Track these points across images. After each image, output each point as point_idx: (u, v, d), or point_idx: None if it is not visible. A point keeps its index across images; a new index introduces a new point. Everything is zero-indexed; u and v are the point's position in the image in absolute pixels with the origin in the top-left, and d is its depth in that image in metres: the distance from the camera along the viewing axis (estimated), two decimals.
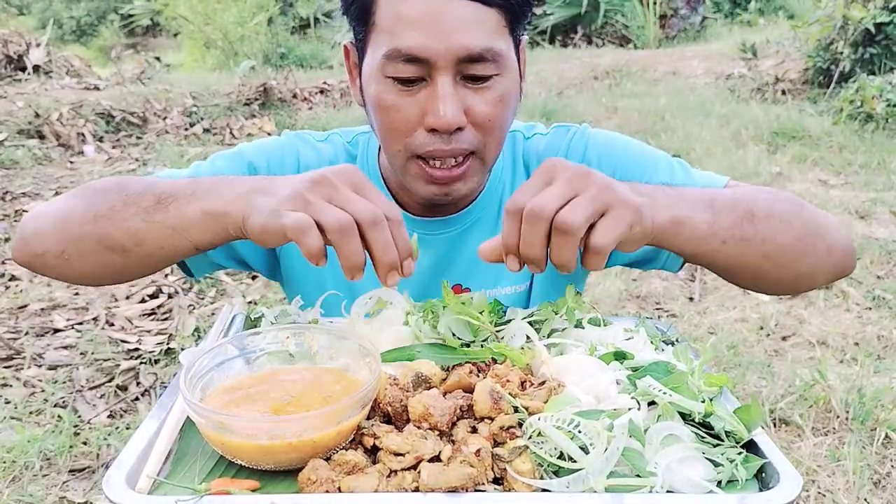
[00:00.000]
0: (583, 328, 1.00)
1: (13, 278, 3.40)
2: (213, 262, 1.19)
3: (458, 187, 1.06)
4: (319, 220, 0.82)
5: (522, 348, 0.94)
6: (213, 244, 0.95)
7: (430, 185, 1.06)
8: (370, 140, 1.24)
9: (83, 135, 5.52)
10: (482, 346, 0.95)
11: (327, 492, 0.69)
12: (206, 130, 6.10)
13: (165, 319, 3.09)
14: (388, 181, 1.22)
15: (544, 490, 0.69)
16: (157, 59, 9.73)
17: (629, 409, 0.77)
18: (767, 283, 1.06)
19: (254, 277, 3.51)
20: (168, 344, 2.86)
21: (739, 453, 0.73)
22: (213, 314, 3.11)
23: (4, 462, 2.15)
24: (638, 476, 0.70)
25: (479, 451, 0.71)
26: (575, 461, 0.70)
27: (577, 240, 0.80)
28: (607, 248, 0.81)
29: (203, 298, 3.31)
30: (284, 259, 1.25)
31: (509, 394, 0.78)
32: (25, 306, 3.12)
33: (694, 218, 0.92)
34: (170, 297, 3.26)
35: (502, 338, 0.97)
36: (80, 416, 2.42)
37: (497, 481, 0.72)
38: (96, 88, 6.64)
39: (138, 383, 2.64)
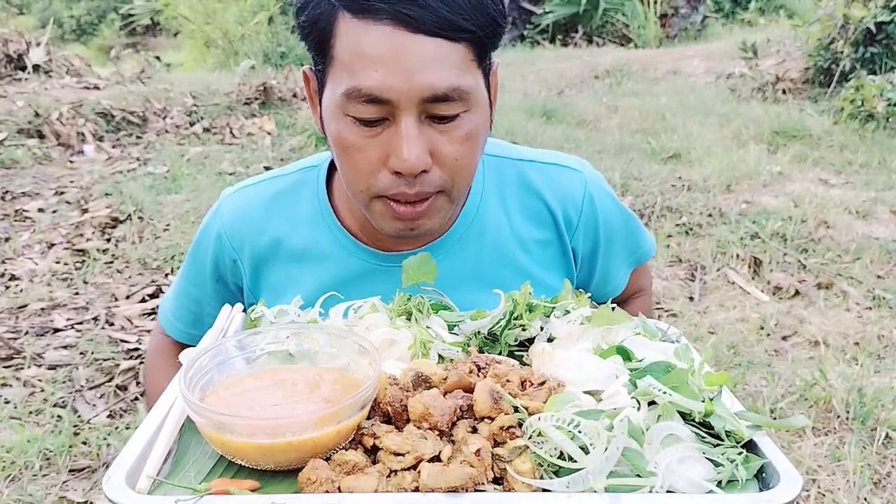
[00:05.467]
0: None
1: (13, 278, 3.40)
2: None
3: (423, 223, 1.03)
4: None
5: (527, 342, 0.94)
6: None
7: (395, 222, 1.03)
8: (318, 176, 1.21)
9: (83, 134, 5.51)
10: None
11: (327, 492, 0.69)
12: (206, 130, 6.09)
13: None
14: (342, 219, 1.19)
15: (544, 490, 0.69)
16: (158, 58, 9.71)
17: (629, 408, 0.77)
18: None
19: None
20: None
21: (740, 453, 0.73)
22: None
23: (4, 462, 2.15)
24: (638, 476, 0.70)
25: (479, 450, 0.71)
26: (575, 461, 0.70)
27: None
28: None
29: None
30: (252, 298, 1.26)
31: (509, 394, 0.78)
32: (25, 306, 3.12)
33: None
34: None
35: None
36: (79, 416, 2.42)
37: (497, 481, 0.72)
38: (96, 88, 6.64)
39: (138, 383, 2.63)
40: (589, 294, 1.08)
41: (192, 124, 6.16)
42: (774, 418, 2.41)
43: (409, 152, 0.93)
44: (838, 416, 2.39)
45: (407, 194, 0.98)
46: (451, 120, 0.96)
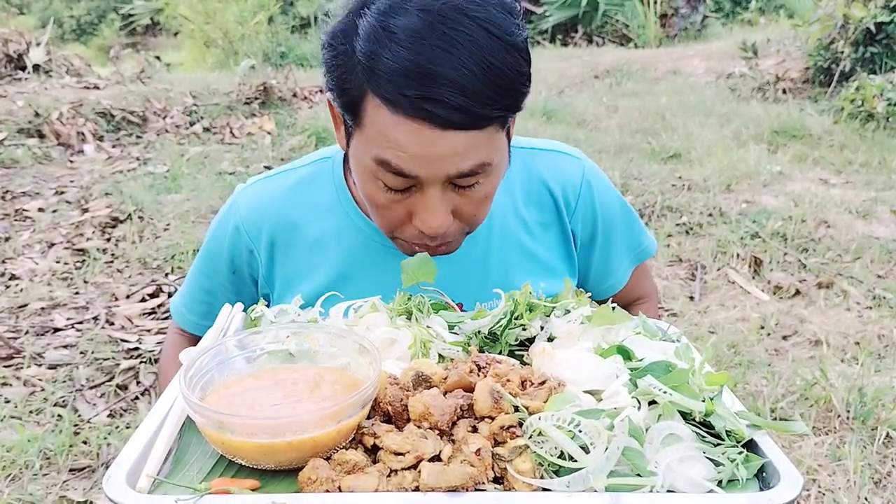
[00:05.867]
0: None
1: (13, 278, 3.40)
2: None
3: (442, 251, 1.10)
4: None
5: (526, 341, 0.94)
6: None
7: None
8: (333, 166, 1.25)
9: (83, 134, 5.51)
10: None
11: (327, 491, 0.69)
12: (206, 129, 6.09)
13: (165, 319, 3.09)
14: (360, 204, 1.22)
15: (545, 489, 0.69)
16: (158, 58, 9.70)
17: (629, 407, 0.77)
18: None
19: None
20: None
21: (740, 453, 0.73)
22: None
23: (4, 461, 2.15)
24: (638, 475, 0.69)
25: (479, 450, 0.71)
26: (575, 460, 0.70)
27: None
28: None
29: None
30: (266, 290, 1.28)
31: (509, 393, 0.78)
32: (25, 305, 3.12)
33: None
34: (169, 296, 3.25)
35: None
36: (80, 416, 2.42)
37: (497, 481, 0.72)
38: (96, 87, 6.63)
39: (138, 382, 2.63)
40: (589, 294, 1.09)
41: (192, 124, 6.16)
42: (775, 418, 2.41)
43: (432, 221, 1.00)
44: (839, 416, 2.39)
45: (429, 246, 1.06)
46: (471, 186, 1.00)
